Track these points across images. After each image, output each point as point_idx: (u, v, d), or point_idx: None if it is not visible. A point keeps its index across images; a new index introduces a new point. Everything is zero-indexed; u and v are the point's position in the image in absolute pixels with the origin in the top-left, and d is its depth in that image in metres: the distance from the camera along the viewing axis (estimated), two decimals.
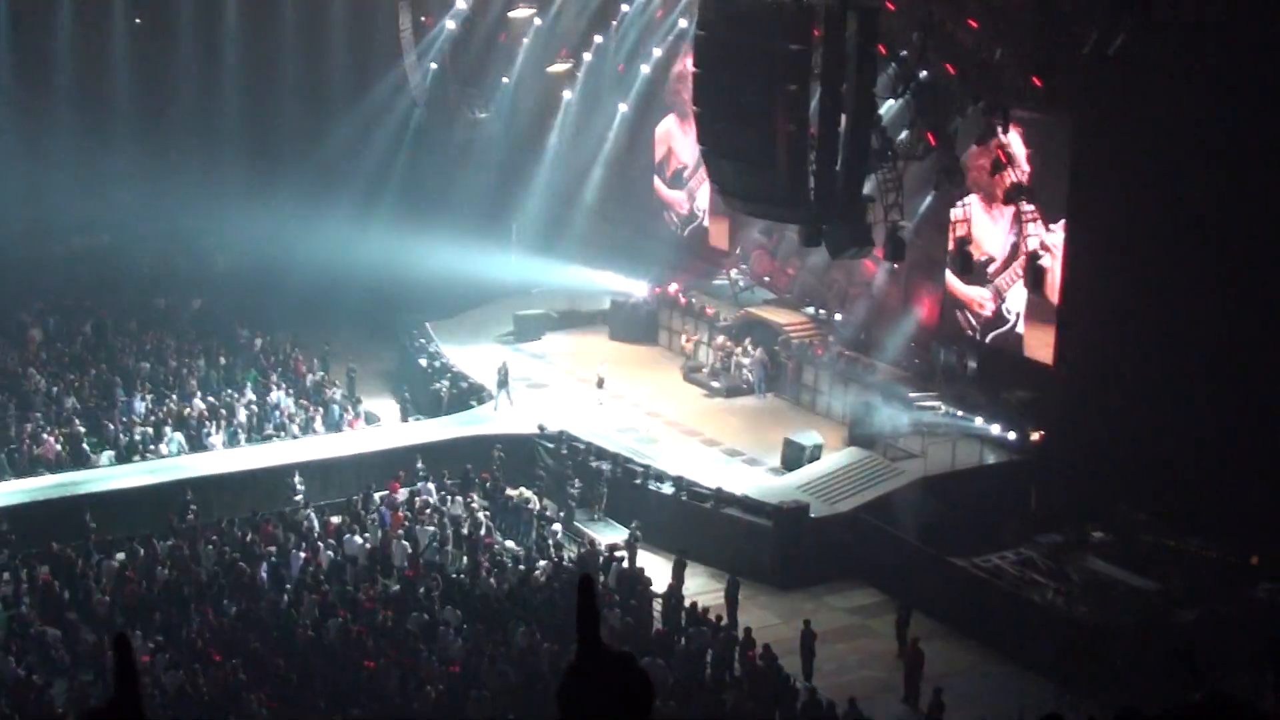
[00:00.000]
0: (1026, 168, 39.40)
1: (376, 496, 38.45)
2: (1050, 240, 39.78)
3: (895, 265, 42.58)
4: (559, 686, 6.52)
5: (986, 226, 42.02)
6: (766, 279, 51.08)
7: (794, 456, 41.38)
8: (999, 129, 38.49)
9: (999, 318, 42.41)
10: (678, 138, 54.60)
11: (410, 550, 35.49)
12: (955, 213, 41.14)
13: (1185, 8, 36.62)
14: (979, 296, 42.86)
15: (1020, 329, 41.69)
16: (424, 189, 56.88)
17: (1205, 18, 36.24)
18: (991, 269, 42.21)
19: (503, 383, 45.39)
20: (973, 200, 41.66)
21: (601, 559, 36.06)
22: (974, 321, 43.07)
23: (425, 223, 54.04)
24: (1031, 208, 39.42)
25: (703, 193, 53.18)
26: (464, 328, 51.98)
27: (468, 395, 45.85)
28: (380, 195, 55.51)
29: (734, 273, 51.96)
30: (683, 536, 38.02)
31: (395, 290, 52.11)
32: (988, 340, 42.52)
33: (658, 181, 56.05)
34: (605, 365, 47.28)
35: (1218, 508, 35.59)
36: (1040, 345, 41.11)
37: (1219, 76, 35.74)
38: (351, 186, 55.10)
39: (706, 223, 53.77)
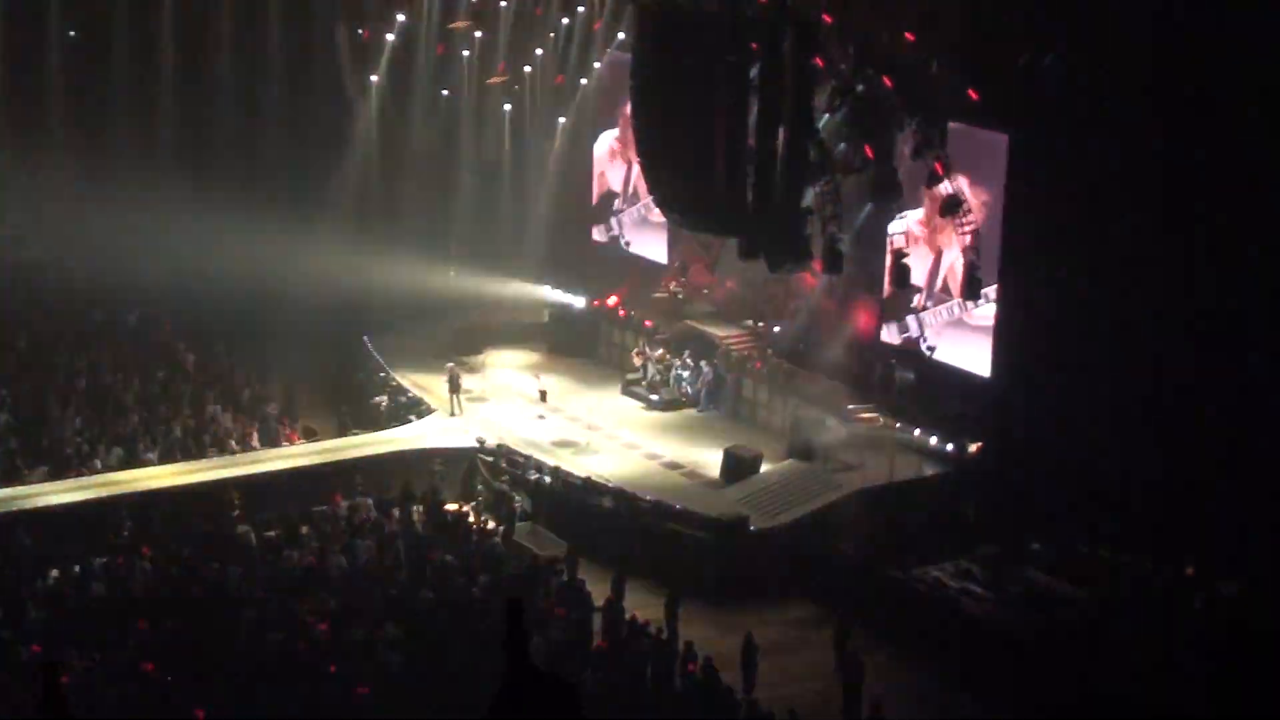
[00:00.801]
0: (963, 180, 39.66)
1: (315, 511, 38.34)
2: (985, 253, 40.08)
3: (834, 278, 42.75)
4: (489, 707, 6.63)
5: (919, 253, 42.24)
6: (705, 292, 51.22)
7: (734, 469, 41.51)
8: (935, 142, 38.80)
9: (916, 342, 42.86)
10: (612, 168, 54.39)
11: (348, 565, 35.41)
12: (893, 225, 41.41)
13: (1116, 22, 36.96)
14: (893, 330, 43.33)
15: (954, 352, 42.13)
16: (360, 202, 56.76)
17: (1136, 32, 36.58)
18: (917, 299, 42.53)
19: (455, 387, 45.61)
20: (909, 214, 41.95)
21: (542, 573, 36.07)
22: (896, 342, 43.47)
23: (362, 236, 53.96)
24: (969, 221, 39.67)
25: (630, 222, 53.32)
26: (401, 341, 51.84)
27: (406, 409, 45.82)
28: (315, 208, 55.30)
29: (673, 285, 52.06)
30: (622, 550, 38.14)
31: (332, 303, 51.92)
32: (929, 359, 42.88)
33: (596, 199, 56.10)
34: (542, 378, 47.33)
35: (1154, 519, 35.94)
36: (977, 358, 41.40)
37: (1154, 89, 36.13)
38: (287, 199, 54.88)
39: (633, 245, 53.85)
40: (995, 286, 40.20)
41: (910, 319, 43.01)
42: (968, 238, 39.57)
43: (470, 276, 54.10)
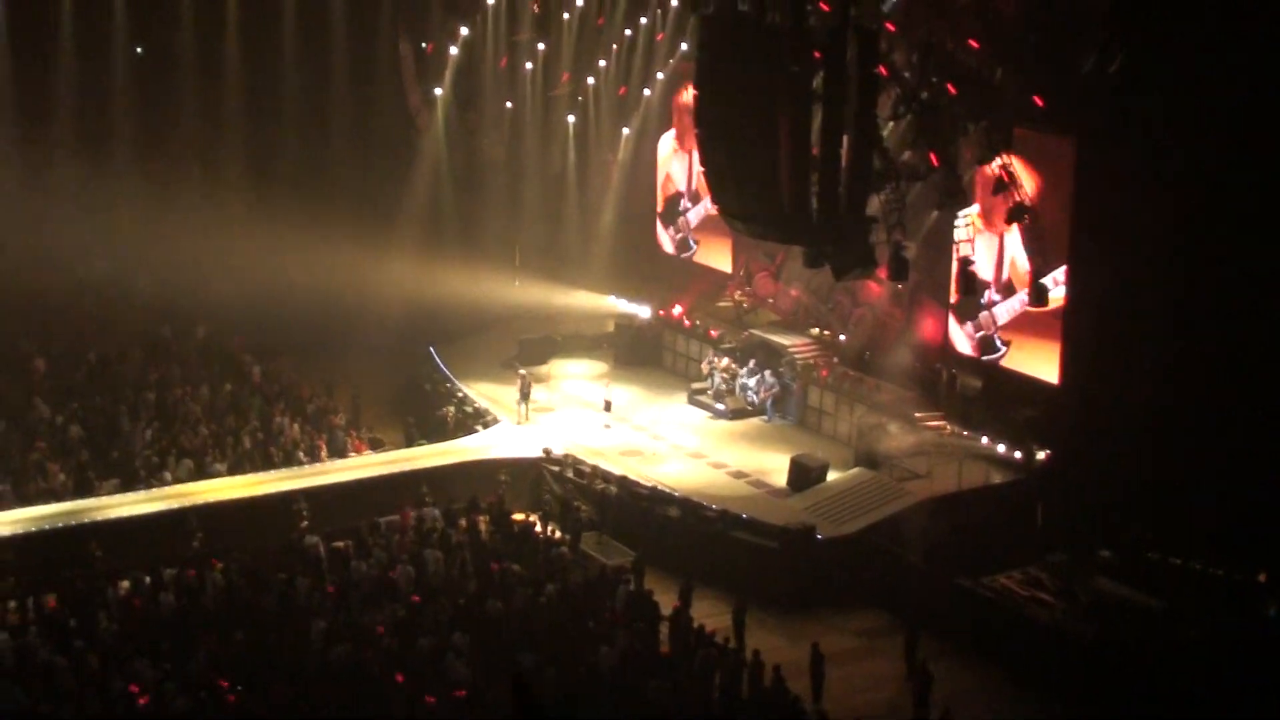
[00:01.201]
0: (1030, 188, 39.51)
1: (382, 522, 38.51)
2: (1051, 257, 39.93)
3: (899, 285, 42.67)
4: None
5: (984, 249, 42.18)
6: (770, 300, 51.21)
7: (800, 477, 41.44)
8: (1000, 148, 38.68)
9: (990, 345, 42.68)
10: (676, 164, 54.80)
11: (416, 575, 35.53)
12: (959, 233, 41.26)
13: (1180, 24, 36.73)
14: (968, 329, 43.22)
15: (1008, 360, 42.13)
16: (426, 215, 57.02)
17: (1204, 34, 36.34)
18: (987, 296, 42.43)
19: (525, 394, 45.91)
20: (976, 221, 41.83)
21: (608, 583, 36.10)
22: (969, 348, 43.33)
23: (427, 248, 54.22)
24: (1035, 228, 39.52)
25: (698, 219, 53.53)
26: (468, 352, 52.01)
27: (473, 419, 45.97)
28: (382, 221, 55.60)
29: (738, 294, 52.07)
30: (689, 559, 38.12)
31: (399, 315, 52.15)
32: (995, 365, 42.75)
33: (659, 211, 56.22)
34: (610, 387, 47.40)
35: (1224, 525, 35.65)
36: (1045, 365, 41.23)
37: (1220, 92, 35.86)
38: (353, 213, 55.19)
39: (697, 254, 54.05)
40: (1063, 289, 40.00)
41: (983, 316, 42.86)
42: (1034, 244, 39.43)
43: (536, 287, 54.24)
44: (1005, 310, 42.25)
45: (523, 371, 47.64)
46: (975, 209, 41.75)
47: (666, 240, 55.31)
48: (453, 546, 37.09)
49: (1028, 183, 39.60)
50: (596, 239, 56.58)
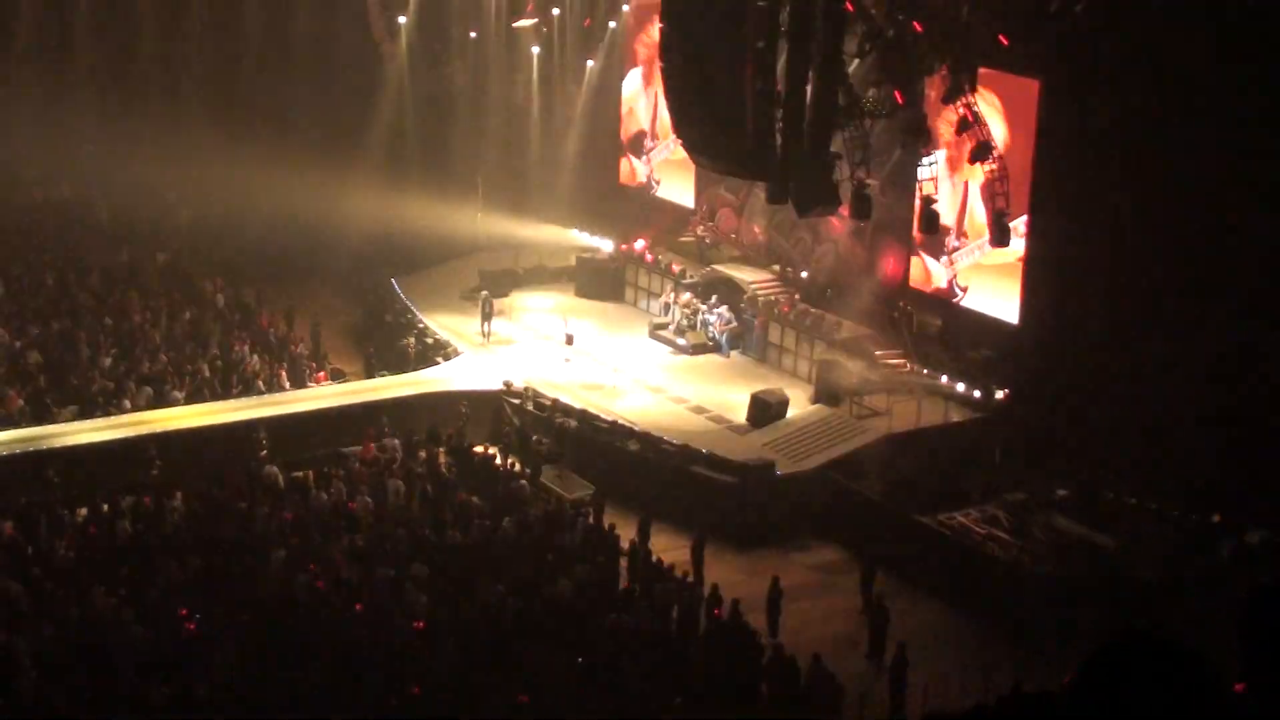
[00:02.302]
0: (994, 127, 39.40)
1: (343, 452, 38.40)
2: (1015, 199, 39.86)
3: (861, 223, 42.59)
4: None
5: (948, 193, 42.12)
6: (733, 236, 51.11)
7: (760, 413, 41.46)
8: (965, 87, 38.52)
9: (950, 290, 42.71)
10: (641, 101, 54.54)
11: (375, 505, 35.48)
12: (923, 172, 41.14)
13: None
14: (933, 270, 43.22)
15: (968, 300, 42.16)
16: (389, 144, 56.73)
17: None
18: (949, 240, 42.42)
19: (487, 314, 46.22)
20: (939, 160, 41.73)
21: (568, 516, 36.10)
22: (944, 282, 43.37)
23: (390, 177, 53.96)
24: (998, 168, 39.41)
25: (661, 158, 53.34)
26: (429, 283, 51.85)
27: (434, 351, 45.86)
28: (345, 149, 55.28)
29: (700, 230, 51.96)
30: (649, 494, 38.16)
31: (359, 245, 51.96)
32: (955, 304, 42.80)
33: (624, 143, 55.96)
34: (571, 321, 47.30)
35: (1181, 465, 35.77)
36: (1005, 305, 41.27)
37: (1189, 34, 35.75)
38: (316, 141, 54.88)
39: (660, 189, 53.91)
40: (1024, 231, 40.00)
41: (942, 260, 42.92)
42: (996, 183, 39.32)
43: (498, 219, 54.04)
44: (965, 255, 42.24)
45: (484, 292, 47.80)
46: (942, 154, 41.62)
47: (640, 169, 55.02)
48: (412, 478, 37.02)
49: (995, 126, 39.45)
50: (560, 172, 56.35)
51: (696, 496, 38.25)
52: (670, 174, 53.29)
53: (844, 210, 39.23)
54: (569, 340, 46.27)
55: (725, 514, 37.80)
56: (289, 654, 28.58)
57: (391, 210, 51.34)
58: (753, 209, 49.60)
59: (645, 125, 54.33)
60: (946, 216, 41.60)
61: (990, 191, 38.97)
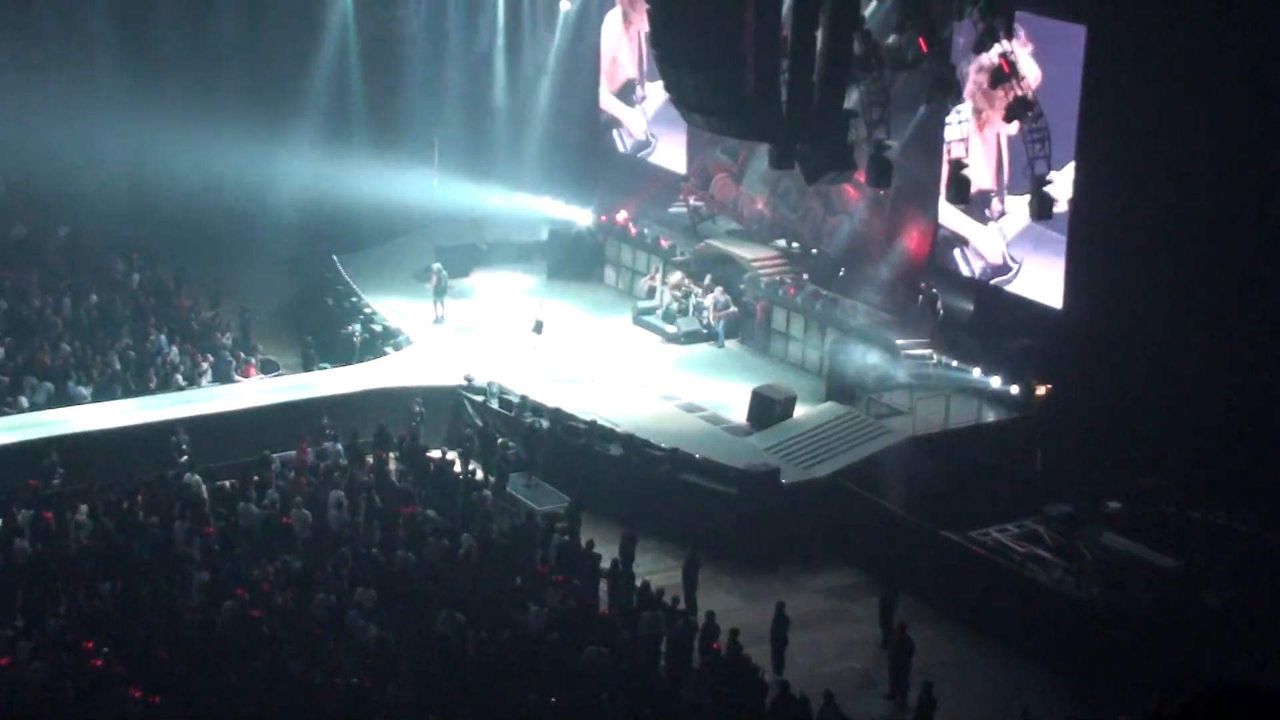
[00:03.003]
0: (1033, 81, 39.23)
1: (276, 459, 38.21)
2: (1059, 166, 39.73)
3: (880, 191, 42.47)
4: None
5: (980, 153, 41.97)
6: (730, 206, 50.99)
7: (762, 413, 41.36)
8: (1000, 34, 38.32)
9: (1004, 265, 42.60)
10: (623, 45, 54.43)
11: (314, 521, 35.31)
12: (950, 131, 40.95)
13: None
14: (982, 237, 43.02)
15: (1021, 278, 42.03)
16: (331, 100, 56.49)
17: None
18: (990, 207, 42.33)
19: (440, 289, 46.37)
20: (969, 118, 41.57)
21: (539, 531, 35.94)
22: (973, 266, 43.20)
23: (332, 138, 53.73)
24: (1038, 127, 39.21)
25: (655, 108, 53.24)
26: (377, 261, 51.73)
27: (382, 340, 45.66)
28: (280, 107, 55.07)
29: (693, 199, 51.82)
30: (633, 506, 38.09)
31: (296, 215, 51.79)
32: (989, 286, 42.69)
33: (605, 94, 55.81)
34: (543, 305, 47.14)
35: (1250, 474, 35.70)
36: (1047, 286, 41.16)
37: None
38: (242, 93, 54.67)
39: (656, 148, 53.90)
40: (1069, 203, 39.90)
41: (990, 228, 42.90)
42: (1036, 145, 39.09)
43: (457, 187, 53.91)
44: (1014, 223, 42.09)
45: (436, 265, 47.89)
46: (969, 106, 41.50)
47: (635, 121, 54.89)
48: (356, 488, 36.84)
49: (1031, 75, 39.31)
50: (530, 132, 56.23)
51: (689, 509, 38.16)
52: (659, 133, 53.12)
53: (860, 176, 39.12)
54: (539, 327, 46.11)
55: (722, 530, 37.67)
56: (212, 694, 28.40)
57: (334, 175, 51.11)
58: (754, 175, 49.49)
59: (633, 72, 54.12)
60: (980, 180, 41.33)
61: (1030, 155, 38.82)
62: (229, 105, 52.77)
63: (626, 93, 54.91)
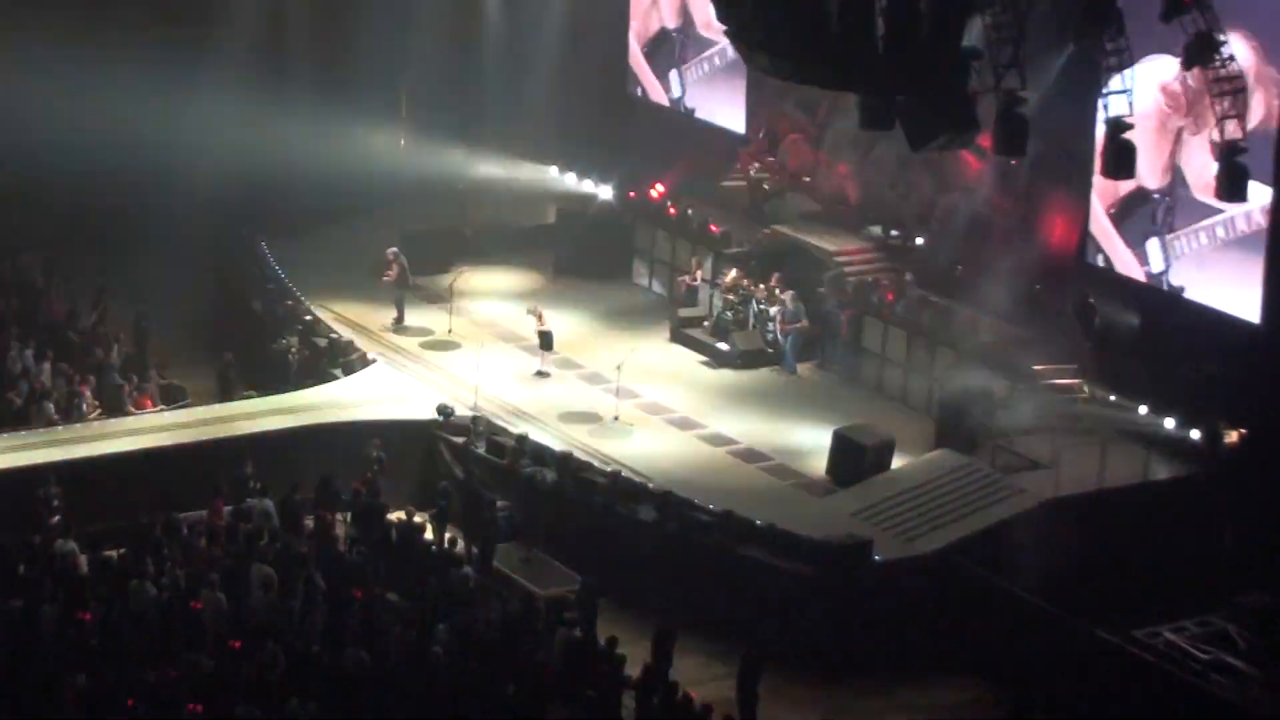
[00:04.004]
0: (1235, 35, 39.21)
1: (182, 520, 38.09)
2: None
3: (1012, 162, 42.40)
4: None
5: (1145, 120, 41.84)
6: (806, 179, 51.02)
7: (849, 463, 41.31)
8: None
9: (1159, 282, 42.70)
10: None
11: (232, 606, 35.19)
12: (1111, 78, 40.83)
13: None
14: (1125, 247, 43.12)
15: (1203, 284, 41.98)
16: (252, 25, 56.50)
17: None
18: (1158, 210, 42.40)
19: (404, 284, 47.17)
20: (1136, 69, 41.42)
21: (540, 623, 35.77)
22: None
23: (263, 87, 53.78)
24: (1231, 81, 39.07)
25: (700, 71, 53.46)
26: (322, 250, 51.89)
27: (330, 358, 45.62)
28: (189, 39, 55.18)
29: (755, 169, 51.79)
30: (671, 590, 37.98)
31: (213, 189, 51.85)
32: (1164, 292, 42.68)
33: (634, 44, 55.99)
34: (543, 313, 47.13)
35: None
36: (1238, 294, 41.02)
37: None
38: (141, 23, 54.78)
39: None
40: (1271, 187, 39.81)
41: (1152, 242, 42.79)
42: (1226, 101, 38.98)
43: (432, 151, 53.98)
44: (1188, 237, 42.00)
45: (393, 250, 48.33)
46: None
47: (668, 87, 55.09)
48: (292, 560, 36.72)
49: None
50: (531, 80, 56.28)
51: (747, 595, 38.02)
52: (709, 86, 53.15)
53: (984, 141, 39.03)
54: (544, 342, 46.10)
55: (792, 624, 37.55)
56: None
57: (263, 132, 51.16)
58: (838, 138, 49.61)
59: (670, 21, 54.13)
60: (1148, 164, 41.19)
61: (1218, 113, 38.72)
62: (125, 39, 52.75)
63: (660, 45, 54.98)
